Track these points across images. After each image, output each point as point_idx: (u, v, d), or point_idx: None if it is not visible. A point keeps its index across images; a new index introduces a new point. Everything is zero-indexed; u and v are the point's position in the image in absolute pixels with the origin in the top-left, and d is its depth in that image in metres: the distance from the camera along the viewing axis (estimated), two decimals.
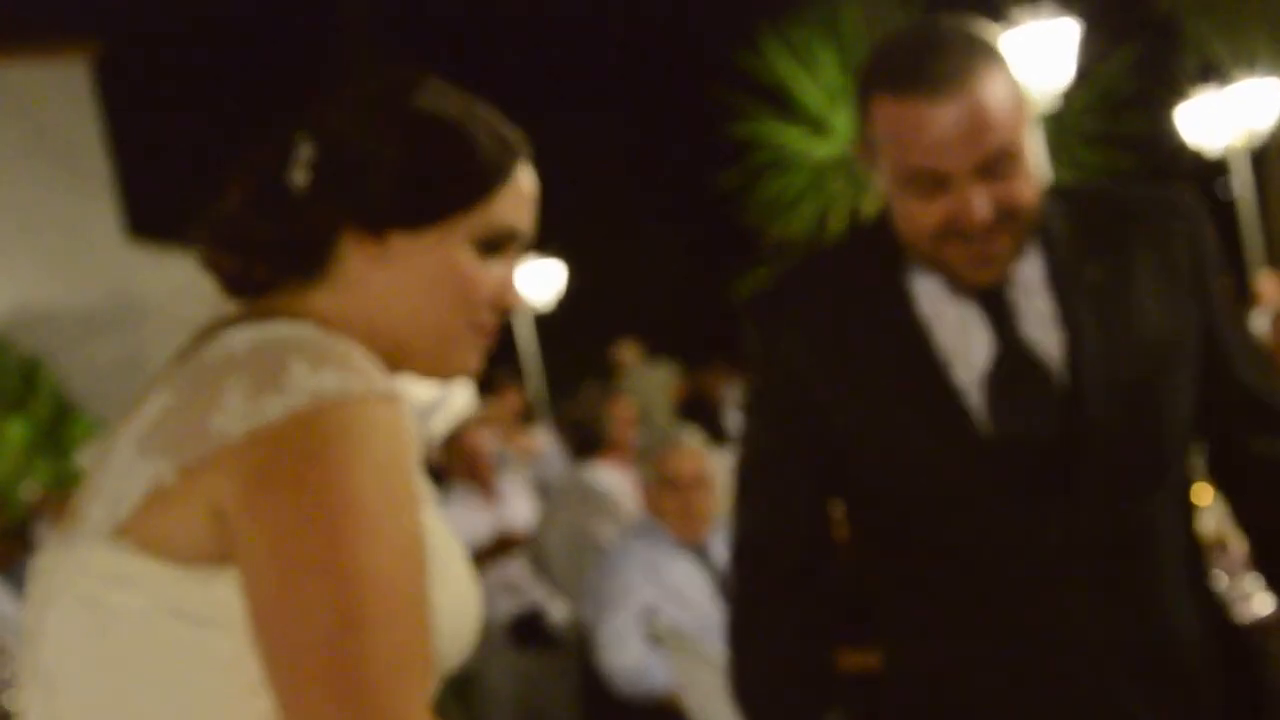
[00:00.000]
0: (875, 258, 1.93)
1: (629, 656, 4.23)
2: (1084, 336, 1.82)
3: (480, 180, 1.40)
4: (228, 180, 1.44)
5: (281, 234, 1.38)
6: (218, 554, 1.26)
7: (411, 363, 1.43)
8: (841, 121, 12.67)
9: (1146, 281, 1.86)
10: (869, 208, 12.54)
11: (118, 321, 14.69)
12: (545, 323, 18.10)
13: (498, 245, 1.43)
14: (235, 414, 1.23)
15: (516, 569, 6.07)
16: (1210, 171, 13.07)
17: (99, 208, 15.63)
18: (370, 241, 1.38)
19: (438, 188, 1.38)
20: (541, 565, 6.01)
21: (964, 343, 1.85)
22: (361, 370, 1.27)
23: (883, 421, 1.86)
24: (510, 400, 10.79)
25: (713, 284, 15.91)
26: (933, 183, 1.77)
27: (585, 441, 6.41)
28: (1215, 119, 12.11)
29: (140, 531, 1.27)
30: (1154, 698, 1.84)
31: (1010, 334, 1.84)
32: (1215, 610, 1.95)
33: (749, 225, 13.38)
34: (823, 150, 12.72)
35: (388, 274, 1.39)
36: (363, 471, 1.23)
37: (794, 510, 1.99)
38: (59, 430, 13.47)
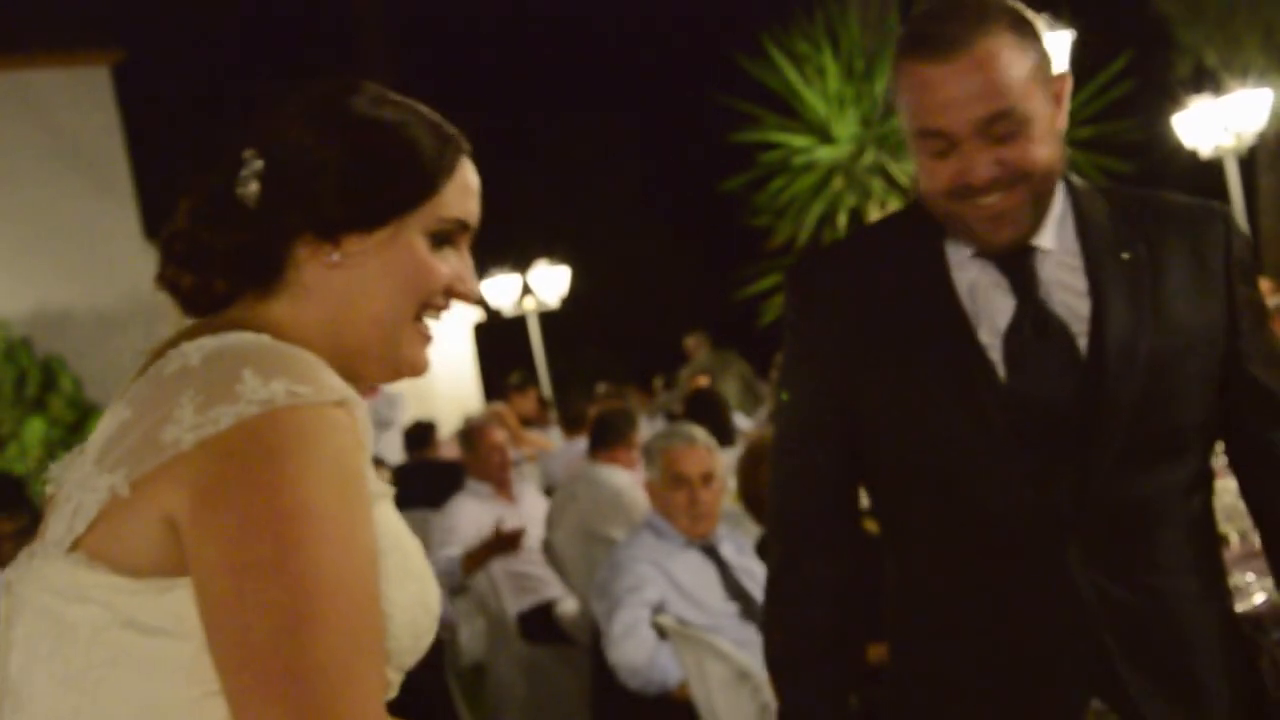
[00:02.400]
0: (915, 228, 1.98)
1: (639, 651, 4.23)
2: (1111, 309, 1.86)
3: (426, 178, 1.42)
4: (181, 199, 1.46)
5: (237, 247, 1.39)
6: (172, 564, 1.26)
7: (367, 365, 1.45)
8: (844, 127, 12.85)
9: (1178, 272, 1.90)
10: (872, 211, 12.71)
11: (136, 322, 14.71)
12: (551, 325, 18.17)
13: (448, 237, 1.46)
14: (187, 424, 1.24)
15: (527, 563, 6.07)
16: (1203, 176, 13.18)
17: (119, 211, 15.79)
18: (324, 247, 1.40)
19: (385, 189, 1.40)
20: (552, 561, 6.02)
21: (990, 306, 1.90)
22: (314, 377, 1.28)
23: (906, 377, 1.91)
24: (525, 401, 10.89)
25: (718, 287, 16.06)
26: (941, 143, 1.82)
27: (596, 440, 6.41)
28: (1207, 124, 12.25)
29: (95, 544, 1.28)
30: (1144, 672, 1.87)
31: (1031, 297, 1.88)
32: (1217, 598, 1.97)
33: (754, 229, 13.50)
34: (825, 155, 12.88)
35: (344, 275, 1.40)
36: (312, 475, 1.23)
37: (825, 474, 2.03)
38: (79, 430, 13.42)
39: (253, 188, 1.38)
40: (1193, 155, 12.61)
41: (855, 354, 1.96)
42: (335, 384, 1.30)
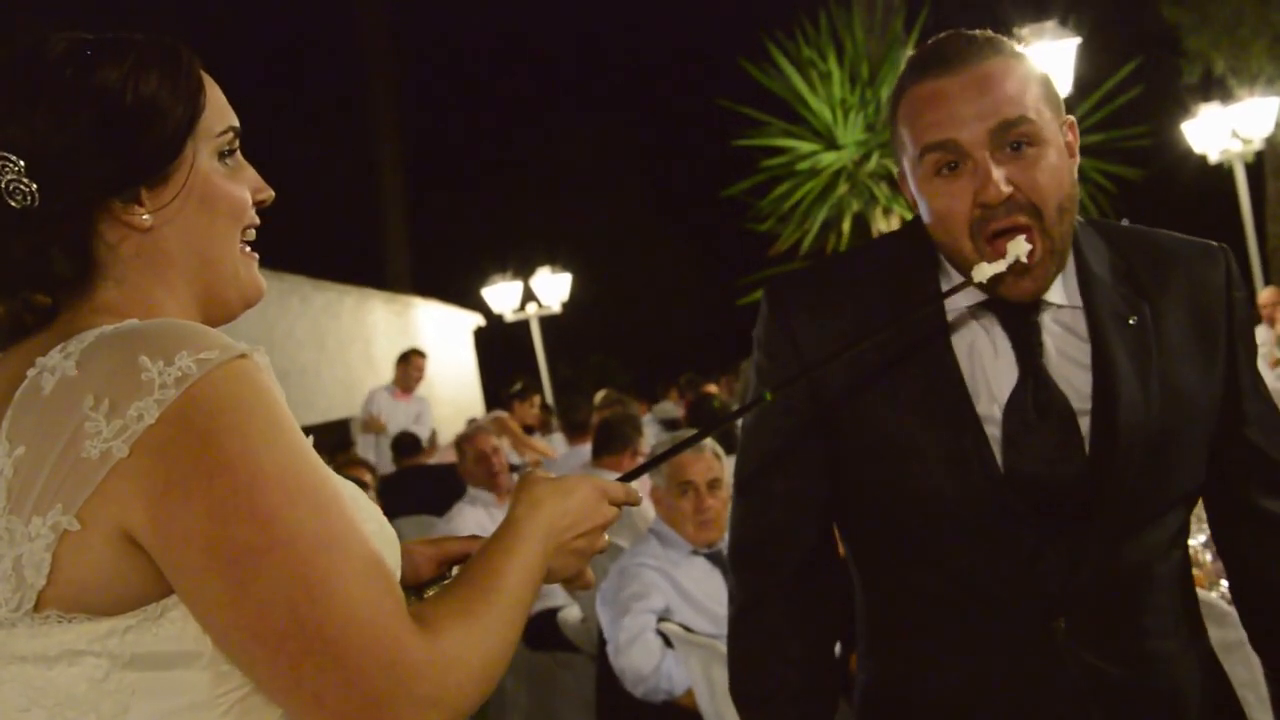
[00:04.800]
0: (910, 263, 1.90)
1: (645, 658, 4.20)
2: (1118, 383, 1.79)
3: (186, 105, 1.35)
4: None
5: (36, 250, 1.31)
6: (150, 584, 1.21)
7: (215, 308, 1.41)
8: (848, 133, 12.84)
9: (1182, 334, 1.85)
10: (877, 216, 12.69)
11: None
12: (552, 331, 18.21)
13: (230, 150, 1.41)
14: (109, 433, 1.17)
15: None
16: (1211, 182, 13.20)
17: None
18: (131, 212, 1.33)
19: (152, 134, 1.33)
20: None
21: (989, 371, 1.82)
22: (209, 340, 1.22)
23: (897, 438, 1.82)
24: (528, 409, 10.94)
25: (720, 293, 16.06)
26: (951, 159, 1.75)
27: (600, 446, 6.38)
28: (1215, 131, 12.26)
29: (61, 595, 1.20)
30: None
31: (1034, 369, 1.81)
32: (1197, 646, 1.93)
33: (757, 235, 13.49)
34: (830, 160, 12.86)
35: (163, 233, 1.34)
36: (256, 438, 1.19)
37: (801, 508, 1.95)
38: None
39: (27, 186, 1.30)
40: (1201, 161, 12.61)
41: (841, 387, 1.86)
42: (226, 339, 1.24)
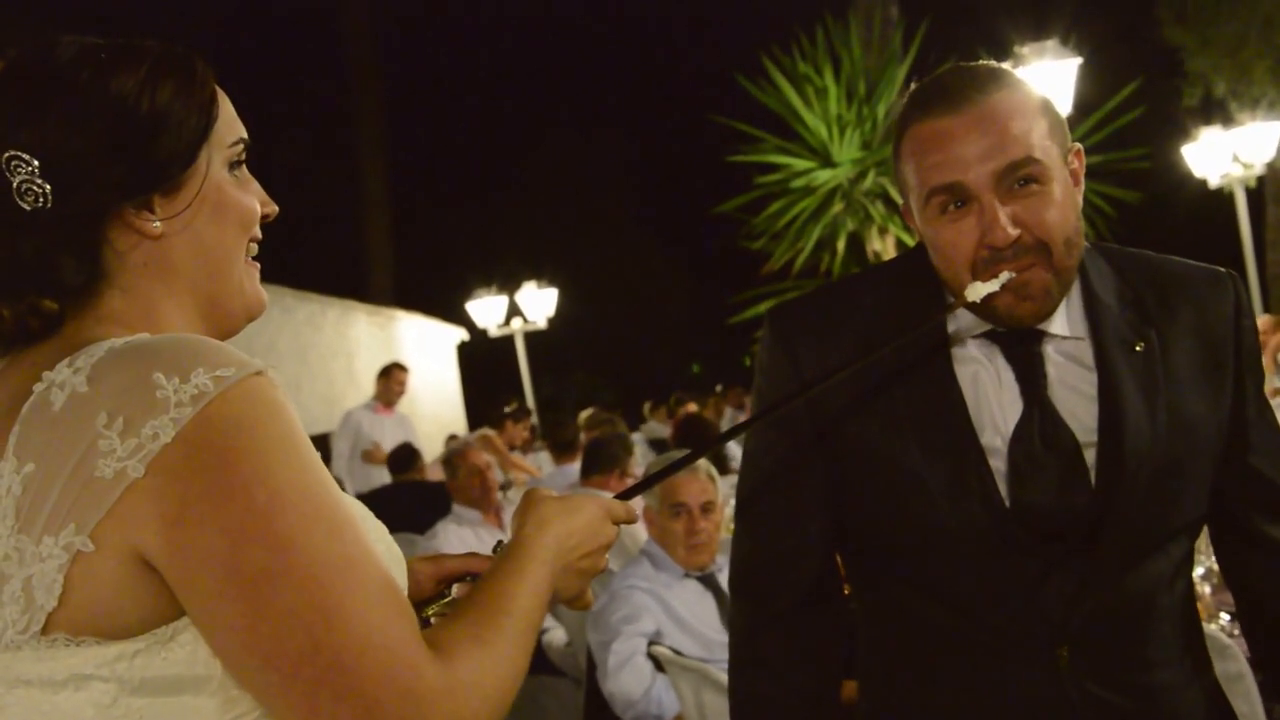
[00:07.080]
0: (912, 290, 1.88)
1: (635, 682, 4.18)
2: (1124, 413, 1.78)
3: (201, 114, 1.35)
4: None
5: (46, 252, 1.29)
6: (162, 606, 1.19)
7: (220, 320, 1.40)
8: (844, 150, 12.71)
9: (1188, 361, 1.84)
10: (872, 236, 12.56)
11: None
12: (537, 347, 18.18)
13: (239, 160, 1.41)
14: (122, 452, 1.15)
15: None
16: (1211, 206, 13.16)
17: None
18: (142, 218, 1.32)
19: (167, 141, 1.32)
20: None
21: (994, 403, 1.81)
22: (225, 356, 1.20)
23: (900, 469, 1.81)
24: (521, 429, 10.87)
25: (711, 312, 15.95)
26: (957, 200, 1.75)
27: (588, 465, 6.36)
28: (1216, 155, 12.24)
29: (71, 617, 1.18)
30: None
31: (1040, 401, 1.80)
32: (1201, 676, 1.91)
33: (749, 253, 13.38)
34: (825, 178, 12.73)
35: (172, 242, 1.34)
36: (273, 458, 1.17)
37: (804, 533, 1.93)
38: None
39: (40, 187, 1.28)
40: (1201, 185, 12.56)
41: (842, 414, 1.85)
42: (242, 355, 1.22)
